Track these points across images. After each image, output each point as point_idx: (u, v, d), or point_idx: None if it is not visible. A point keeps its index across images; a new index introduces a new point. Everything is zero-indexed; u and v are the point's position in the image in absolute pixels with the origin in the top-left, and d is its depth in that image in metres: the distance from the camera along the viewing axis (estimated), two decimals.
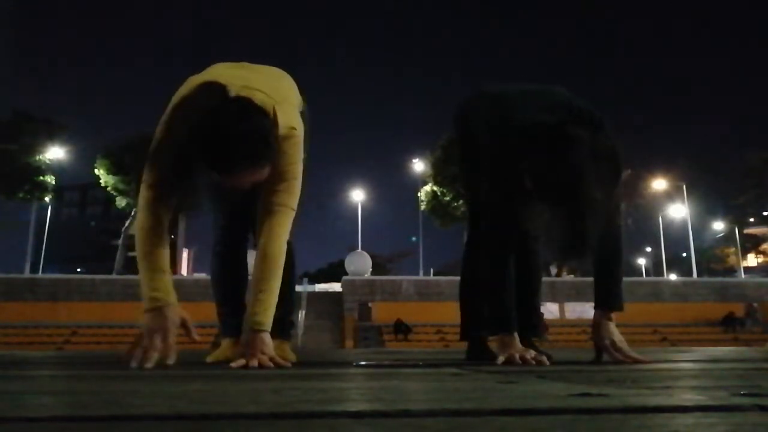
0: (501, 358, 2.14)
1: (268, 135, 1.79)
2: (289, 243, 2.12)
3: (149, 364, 1.79)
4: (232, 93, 1.80)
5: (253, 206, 2.29)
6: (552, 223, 1.95)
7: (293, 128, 1.98)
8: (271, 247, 1.96)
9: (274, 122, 1.88)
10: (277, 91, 2.02)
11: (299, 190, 2.04)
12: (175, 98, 1.95)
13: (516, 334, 2.25)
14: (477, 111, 2.52)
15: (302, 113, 2.27)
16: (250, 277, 2.71)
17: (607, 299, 2.33)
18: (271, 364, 1.81)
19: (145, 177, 1.94)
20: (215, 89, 1.80)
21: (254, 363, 1.79)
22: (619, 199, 2.20)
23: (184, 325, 1.95)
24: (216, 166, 1.74)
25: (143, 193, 1.96)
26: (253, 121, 1.75)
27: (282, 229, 1.98)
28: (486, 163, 2.32)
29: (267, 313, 1.91)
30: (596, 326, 2.33)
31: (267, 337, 1.89)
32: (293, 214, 2.03)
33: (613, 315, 2.33)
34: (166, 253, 2.00)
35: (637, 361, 2.20)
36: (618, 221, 2.27)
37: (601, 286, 2.34)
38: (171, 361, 1.85)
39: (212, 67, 2.15)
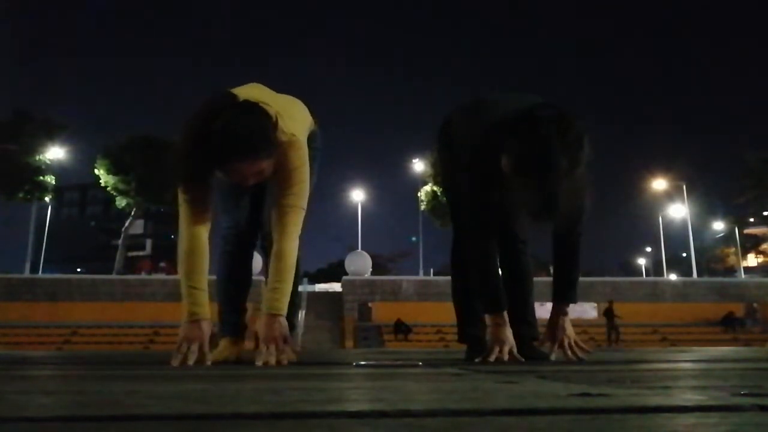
0: (492, 357, 2.33)
1: (266, 130, 1.93)
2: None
3: (190, 362, 2.04)
4: (239, 99, 1.96)
5: (260, 209, 2.51)
6: (523, 192, 2.13)
7: (294, 134, 2.12)
8: (285, 244, 2.11)
9: (275, 125, 2.01)
10: (283, 107, 2.17)
11: (308, 191, 2.17)
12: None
13: (505, 313, 2.44)
14: (458, 115, 2.66)
15: (314, 133, 2.49)
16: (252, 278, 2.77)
17: (565, 293, 2.53)
18: (285, 361, 1.99)
19: (180, 198, 2.09)
20: (225, 96, 1.96)
21: (272, 358, 1.97)
22: (583, 188, 2.33)
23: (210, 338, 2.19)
24: (219, 157, 1.88)
25: (182, 214, 2.11)
26: (252, 118, 1.90)
27: (294, 227, 2.13)
28: (466, 159, 2.44)
29: (283, 300, 2.08)
30: (553, 322, 2.52)
31: (284, 321, 2.06)
32: (303, 213, 2.16)
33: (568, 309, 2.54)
34: (205, 271, 2.17)
35: (585, 351, 2.48)
36: (579, 229, 2.47)
37: (559, 282, 2.54)
38: (207, 363, 2.08)
39: (256, 86, 2.32)
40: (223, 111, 1.89)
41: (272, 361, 1.98)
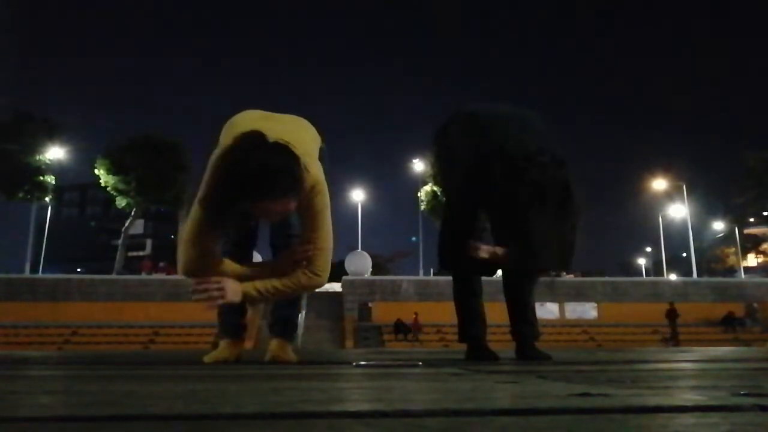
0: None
1: (296, 173, 2.02)
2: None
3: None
4: (270, 139, 2.03)
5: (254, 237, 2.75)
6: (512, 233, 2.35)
7: (321, 183, 2.23)
8: (308, 282, 2.21)
9: (303, 167, 2.09)
10: (303, 145, 2.26)
11: (331, 231, 2.27)
12: (220, 150, 2.15)
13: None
14: (454, 126, 2.74)
15: (322, 151, 2.57)
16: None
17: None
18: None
19: (196, 213, 2.11)
20: (255, 136, 2.03)
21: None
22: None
23: None
24: (253, 195, 1.96)
25: (192, 228, 2.12)
26: (284, 159, 1.99)
27: (324, 273, 2.24)
28: (456, 181, 2.65)
29: (256, 286, 2.15)
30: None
31: (236, 285, 2.12)
32: (331, 253, 2.27)
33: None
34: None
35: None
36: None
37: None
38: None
39: (243, 115, 2.42)
40: (256, 151, 1.97)
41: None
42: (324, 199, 2.23)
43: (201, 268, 2.13)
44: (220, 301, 2.08)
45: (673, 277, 36.88)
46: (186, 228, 2.15)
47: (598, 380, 1.23)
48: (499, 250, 2.41)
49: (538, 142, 2.44)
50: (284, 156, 2.00)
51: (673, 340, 22.22)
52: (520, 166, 2.30)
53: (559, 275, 2.49)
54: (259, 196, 1.97)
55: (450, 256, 2.68)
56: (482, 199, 2.54)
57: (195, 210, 2.11)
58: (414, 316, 24.23)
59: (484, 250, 2.40)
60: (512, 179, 2.29)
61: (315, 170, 2.21)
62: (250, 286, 2.14)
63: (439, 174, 3.07)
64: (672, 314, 22.51)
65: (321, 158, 2.56)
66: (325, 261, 2.25)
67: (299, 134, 2.35)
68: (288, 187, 1.99)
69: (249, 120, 2.33)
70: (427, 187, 31.64)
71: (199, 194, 2.10)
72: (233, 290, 2.09)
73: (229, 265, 2.19)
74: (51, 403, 0.84)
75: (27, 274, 28.99)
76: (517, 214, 2.26)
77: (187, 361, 2.87)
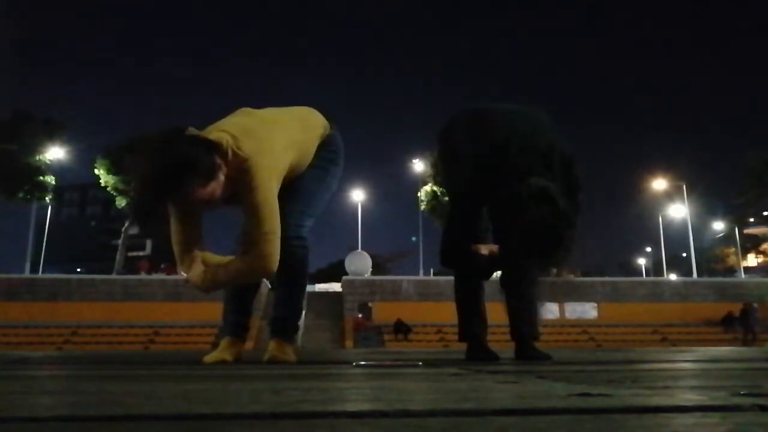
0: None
1: (188, 164, 2.07)
2: (304, 248, 2.49)
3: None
4: (189, 134, 2.18)
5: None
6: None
7: (246, 159, 2.18)
8: (251, 266, 2.26)
9: (222, 154, 2.14)
10: (248, 132, 2.25)
11: (271, 210, 2.23)
12: None
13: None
14: (458, 127, 2.72)
15: (330, 137, 2.61)
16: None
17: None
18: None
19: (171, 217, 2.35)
20: (170, 135, 2.20)
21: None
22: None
23: None
24: (162, 190, 2.09)
25: (173, 231, 2.38)
26: (171, 153, 2.08)
27: (270, 256, 2.24)
28: (460, 181, 2.61)
29: (206, 273, 2.30)
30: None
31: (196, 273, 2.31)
32: (271, 236, 2.22)
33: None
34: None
35: None
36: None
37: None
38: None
39: (237, 113, 2.45)
40: (155, 153, 2.10)
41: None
42: (255, 177, 2.19)
43: (183, 261, 2.33)
44: (188, 284, 2.31)
45: (673, 277, 36.87)
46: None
47: (598, 380, 1.22)
48: (497, 248, 2.42)
49: (548, 139, 2.43)
50: (186, 148, 2.10)
51: (750, 341, 21.62)
52: (529, 166, 2.30)
53: (560, 274, 2.49)
54: (169, 193, 2.09)
55: (452, 254, 2.67)
56: (486, 198, 2.53)
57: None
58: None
59: (484, 248, 2.41)
60: (519, 179, 2.29)
61: (247, 149, 2.19)
62: (201, 274, 2.29)
63: (443, 173, 3.06)
64: (746, 314, 22.04)
65: (326, 143, 2.61)
66: (268, 243, 2.22)
67: (265, 126, 2.37)
68: (193, 177, 2.07)
69: (224, 121, 2.39)
70: (427, 187, 31.62)
71: None
72: (194, 276, 2.29)
73: (208, 257, 2.33)
74: (51, 403, 0.84)
75: (27, 274, 28.97)
76: (518, 210, 2.26)
77: (187, 361, 2.87)
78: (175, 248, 2.33)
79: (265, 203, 2.22)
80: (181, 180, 2.07)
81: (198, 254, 2.32)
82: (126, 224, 30.01)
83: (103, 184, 29.73)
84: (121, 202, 29.61)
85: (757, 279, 31.76)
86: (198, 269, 2.30)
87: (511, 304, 2.79)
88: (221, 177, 2.15)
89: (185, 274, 2.33)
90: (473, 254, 2.44)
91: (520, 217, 2.27)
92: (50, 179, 29.42)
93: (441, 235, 2.77)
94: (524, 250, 2.30)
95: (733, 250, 42.15)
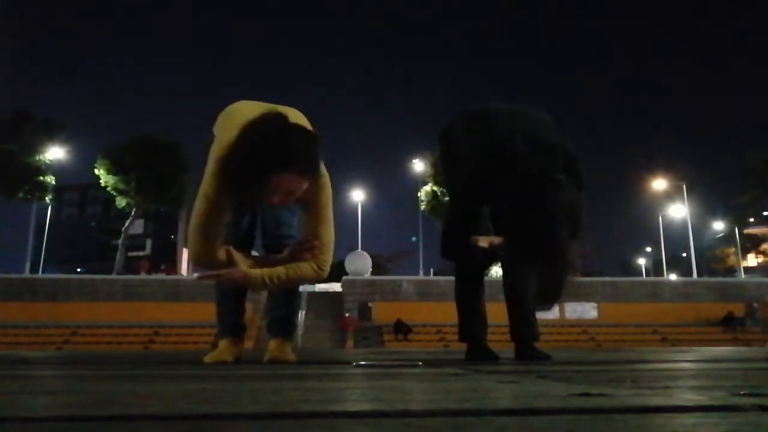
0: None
1: (316, 155, 2.06)
2: None
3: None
4: (291, 121, 2.04)
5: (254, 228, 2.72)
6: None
7: (326, 177, 2.24)
8: (312, 274, 2.24)
9: (319, 154, 2.13)
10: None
11: (333, 226, 2.30)
12: (240, 119, 2.07)
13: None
14: (459, 128, 2.73)
15: None
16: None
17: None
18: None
19: (204, 191, 2.09)
20: (278, 115, 2.04)
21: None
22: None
23: None
24: (275, 165, 1.92)
25: (199, 209, 2.11)
26: (307, 139, 2.02)
27: (327, 266, 2.28)
28: (465, 167, 2.59)
29: (263, 272, 2.20)
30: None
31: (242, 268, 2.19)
32: (333, 246, 2.29)
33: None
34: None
35: None
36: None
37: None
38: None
39: (240, 105, 2.38)
40: (279, 127, 1.97)
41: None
42: (329, 194, 2.26)
43: (209, 252, 2.13)
44: (227, 280, 2.17)
45: (673, 277, 36.88)
46: (195, 209, 2.14)
47: (598, 380, 1.23)
48: (497, 240, 2.41)
49: (549, 138, 2.43)
50: (306, 137, 2.02)
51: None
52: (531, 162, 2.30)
53: (569, 271, 2.49)
54: (281, 167, 1.94)
55: (451, 246, 2.67)
56: (486, 197, 2.52)
57: (208, 178, 2.09)
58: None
59: (483, 240, 2.41)
60: (519, 173, 2.30)
61: (321, 164, 2.22)
62: (257, 272, 2.18)
63: (444, 173, 3.06)
64: (750, 314, 21.83)
65: None
66: (328, 255, 2.28)
67: (305, 124, 2.36)
68: (307, 166, 2.01)
69: (250, 108, 2.28)
70: (427, 187, 31.64)
71: (209, 168, 2.09)
72: (241, 272, 2.16)
73: (236, 253, 2.21)
74: (51, 403, 0.84)
75: (27, 274, 28.99)
76: (519, 205, 2.27)
77: (187, 361, 2.88)
78: (202, 236, 2.11)
79: (332, 220, 2.28)
80: (304, 164, 1.99)
81: (232, 250, 2.20)
82: (126, 224, 30.01)
83: (103, 184, 29.74)
84: (121, 202, 29.62)
85: (757, 279, 31.76)
86: (246, 265, 2.19)
87: (512, 305, 2.79)
88: (314, 178, 2.11)
89: (212, 265, 2.15)
90: (472, 246, 2.43)
91: (521, 214, 2.27)
92: (50, 179, 29.44)
93: (441, 230, 2.78)
94: (528, 238, 2.30)
95: (733, 250, 42.14)
